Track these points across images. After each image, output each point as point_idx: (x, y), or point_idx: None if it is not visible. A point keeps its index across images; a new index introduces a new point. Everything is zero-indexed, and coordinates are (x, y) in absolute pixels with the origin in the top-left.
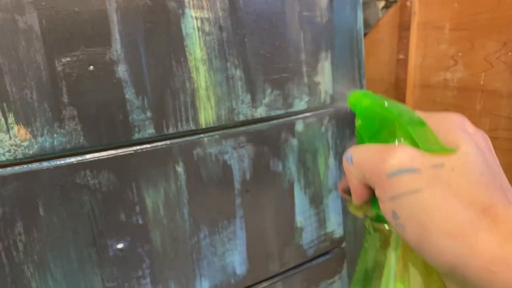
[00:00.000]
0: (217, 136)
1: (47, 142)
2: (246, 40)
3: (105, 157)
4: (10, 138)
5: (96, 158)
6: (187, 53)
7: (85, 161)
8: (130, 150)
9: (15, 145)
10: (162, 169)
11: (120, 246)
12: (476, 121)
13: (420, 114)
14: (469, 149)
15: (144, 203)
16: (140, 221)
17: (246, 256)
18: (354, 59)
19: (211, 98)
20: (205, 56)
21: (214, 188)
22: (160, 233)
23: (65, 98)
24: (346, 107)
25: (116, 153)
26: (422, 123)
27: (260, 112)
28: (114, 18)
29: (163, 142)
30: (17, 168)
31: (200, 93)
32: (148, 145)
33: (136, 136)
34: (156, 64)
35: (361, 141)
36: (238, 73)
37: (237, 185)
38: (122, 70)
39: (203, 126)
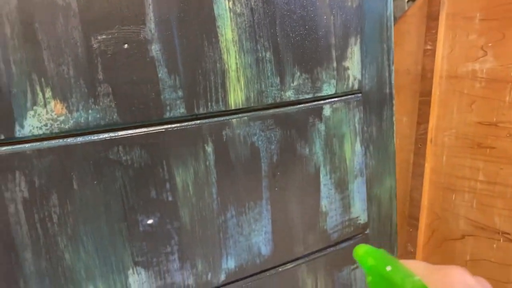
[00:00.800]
0: (246, 117)
1: (82, 118)
2: (276, 22)
3: (137, 134)
4: (47, 112)
5: (128, 135)
6: (218, 34)
7: (118, 137)
8: (162, 128)
9: (52, 120)
10: (192, 148)
11: (150, 222)
12: (505, 113)
13: (420, 269)
14: None
15: (174, 180)
16: (170, 198)
17: (271, 238)
18: (383, 45)
19: (240, 79)
20: (236, 37)
21: (242, 169)
22: (189, 210)
23: (100, 75)
24: (374, 93)
25: (148, 131)
26: None
27: (289, 95)
28: None
29: (193, 122)
30: (53, 142)
31: (230, 74)
32: (178, 124)
33: (168, 114)
34: (188, 44)
35: None
36: (268, 55)
37: (264, 167)
38: (155, 49)
39: (232, 107)
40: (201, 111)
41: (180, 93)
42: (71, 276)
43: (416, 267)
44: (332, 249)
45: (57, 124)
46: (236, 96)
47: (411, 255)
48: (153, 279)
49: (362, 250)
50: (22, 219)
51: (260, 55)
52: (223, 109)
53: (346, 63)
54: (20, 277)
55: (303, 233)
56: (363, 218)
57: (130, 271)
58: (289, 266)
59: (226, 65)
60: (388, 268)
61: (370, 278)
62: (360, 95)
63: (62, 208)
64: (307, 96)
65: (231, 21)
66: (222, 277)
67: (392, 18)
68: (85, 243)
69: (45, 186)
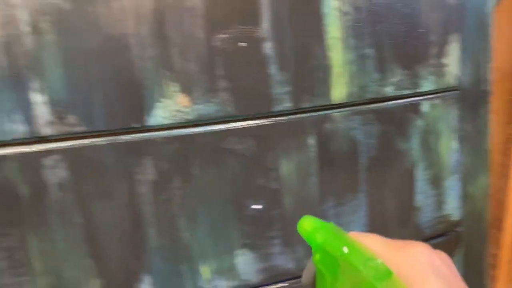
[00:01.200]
0: (347, 112)
1: (203, 110)
2: (380, 20)
3: (249, 126)
4: (173, 104)
5: (242, 126)
6: (325, 32)
7: (232, 128)
8: (270, 121)
9: (177, 111)
10: (297, 140)
11: (257, 207)
12: None
13: (377, 246)
14: None
15: (279, 170)
16: (275, 186)
17: (367, 230)
18: (482, 43)
19: (344, 75)
20: (341, 35)
21: (341, 162)
22: (292, 199)
23: (220, 71)
24: (471, 90)
25: (258, 123)
26: (388, 274)
27: (389, 90)
28: (265, 0)
29: (299, 115)
30: (178, 131)
31: (334, 70)
32: (285, 117)
33: (276, 108)
34: (298, 42)
35: (321, 277)
36: (371, 52)
37: (362, 161)
38: (268, 47)
39: (335, 102)
40: (306, 105)
41: (288, 88)
42: (187, 253)
43: (372, 244)
44: None
45: (182, 115)
46: (339, 91)
47: (495, 257)
48: (257, 260)
49: (308, 225)
50: (150, 199)
51: (363, 51)
52: (327, 103)
53: (445, 60)
54: (144, 251)
55: (397, 227)
56: (456, 216)
57: (238, 251)
58: None
59: (331, 61)
60: (345, 250)
61: (318, 257)
62: (458, 92)
63: (182, 190)
64: (406, 92)
65: (337, 19)
66: None
67: (491, 15)
68: (200, 224)
69: (169, 171)
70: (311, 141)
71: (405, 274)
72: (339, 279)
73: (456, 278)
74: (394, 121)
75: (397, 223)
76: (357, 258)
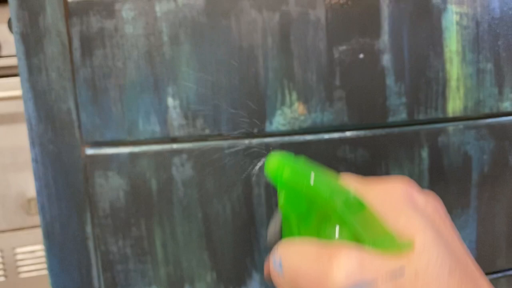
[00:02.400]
0: (461, 126)
1: (318, 118)
2: (500, 34)
3: (362, 135)
4: (291, 112)
5: (355, 136)
6: (444, 45)
7: (346, 137)
8: (384, 132)
9: (294, 118)
10: (409, 152)
11: None
12: None
13: (354, 181)
14: (428, 239)
15: None
16: None
17: (475, 247)
18: None
19: (460, 89)
20: (460, 48)
21: (453, 176)
22: None
23: (337, 81)
24: None
25: (372, 133)
26: (361, 206)
27: (506, 106)
28: (385, 12)
29: (413, 127)
30: (294, 138)
31: (451, 84)
32: (399, 129)
33: (390, 119)
34: (416, 55)
35: (287, 221)
36: (489, 66)
37: (474, 176)
38: (386, 59)
39: (450, 115)
40: (421, 117)
41: (403, 99)
42: None
43: (345, 178)
44: None
45: (298, 123)
46: (455, 105)
47: None
48: None
49: (275, 161)
50: (263, 201)
51: (481, 66)
52: (441, 116)
53: None
54: (255, 250)
55: (506, 247)
56: None
57: None
58: (489, 277)
59: (448, 75)
60: (312, 181)
61: (283, 196)
62: None
63: None
64: None
65: (457, 33)
66: None
67: None
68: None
69: None
70: (424, 153)
71: (379, 208)
72: (305, 218)
73: (442, 221)
74: (509, 137)
75: (506, 243)
76: (325, 190)
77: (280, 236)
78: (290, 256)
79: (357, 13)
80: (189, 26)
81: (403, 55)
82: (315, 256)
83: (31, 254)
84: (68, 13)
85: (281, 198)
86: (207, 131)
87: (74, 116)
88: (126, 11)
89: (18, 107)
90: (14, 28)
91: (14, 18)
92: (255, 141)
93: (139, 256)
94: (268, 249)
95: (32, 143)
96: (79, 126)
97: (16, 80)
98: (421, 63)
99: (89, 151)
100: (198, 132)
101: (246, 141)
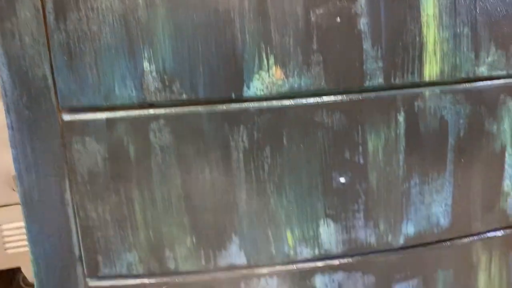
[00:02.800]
0: (438, 90)
1: (296, 83)
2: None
3: (339, 100)
4: (269, 76)
5: (332, 101)
6: (421, 9)
7: (323, 102)
8: (361, 96)
9: (272, 83)
10: (385, 117)
11: (342, 180)
12: None
13: None
14: None
15: (366, 145)
16: (361, 161)
17: (451, 210)
18: None
19: (437, 53)
20: (436, 12)
21: (429, 141)
22: (377, 174)
23: (315, 45)
24: None
25: (349, 98)
26: None
27: (482, 71)
28: None
29: (389, 92)
30: (272, 103)
31: (427, 48)
32: (375, 93)
33: (367, 83)
34: (393, 19)
35: None
36: (466, 30)
37: (450, 141)
38: (363, 23)
39: (426, 80)
40: (397, 81)
41: (380, 63)
42: (273, 219)
43: None
44: (510, 230)
45: (276, 88)
46: (431, 69)
47: None
48: (339, 232)
49: None
50: (241, 165)
51: (458, 30)
52: (418, 80)
53: None
54: (235, 214)
55: (482, 211)
56: None
57: (322, 221)
58: (465, 240)
59: (425, 39)
60: None
61: None
62: None
63: (272, 159)
64: (500, 73)
65: None
66: (401, 241)
67: None
68: (287, 192)
69: (261, 140)
70: (400, 118)
71: None
72: None
73: None
74: (485, 102)
75: (482, 206)
76: None
77: None
78: None
79: None
80: None
81: (380, 19)
82: None
83: (18, 230)
84: None
85: None
86: (184, 96)
87: (50, 82)
88: None
89: None
90: None
91: None
92: (232, 106)
93: (118, 222)
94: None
95: (7, 110)
96: (55, 92)
97: None
98: (398, 27)
99: (66, 117)
100: (175, 97)
101: (224, 106)
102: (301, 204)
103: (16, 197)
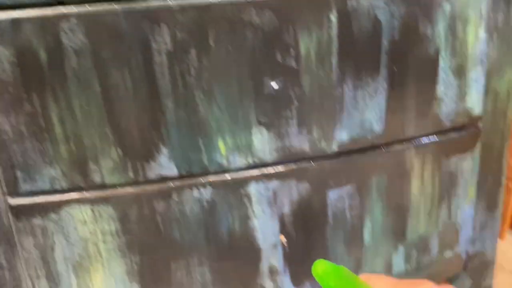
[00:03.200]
0: None
1: None
2: None
3: None
4: None
5: None
6: None
7: None
8: None
9: None
10: (318, 16)
11: (274, 84)
12: None
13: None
14: None
15: (298, 47)
16: (293, 64)
17: (385, 115)
18: None
19: None
20: None
21: (362, 43)
22: (310, 78)
23: None
24: None
25: None
26: None
27: None
28: None
29: None
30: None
31: None
32: None
33: None
34: None
35: None
36: None
37: (384, 43)
38: None
39: None
40: None
41: None
42: (204, 127)
43: (381, 285)
44: (442, 136)
45: None
46: None
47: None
48: (273, 139)
49: (321, 269)
50: (165, 70)
51: None
52: None
53: None
54: (162, 123)
55: (416, 117)
56: (477, 110)
57: (254, 129)
58: (398, 146)
59: None
60: None
61: None
62: None
63: (199, 62)
64: None
65: None
66: (334, 147)
67: None
68: (217, 98)
69: (185, 41)
70: (333, 18)
71: None
72: None
73: None
74: (420, 3)
75: (416, 111)
76: None
77: None
78: None
79: None
80: None
81: None
82: None
83: None
84: None
85: None
86: None
87: None
88: None
89: None
90: None
91: None
92: (153, 2)
93: (35, 134)
94: None
95: None
96: None
97: None
98: None
99: None
100: None
101: (143, 3)
102: (232, 111)
103: None
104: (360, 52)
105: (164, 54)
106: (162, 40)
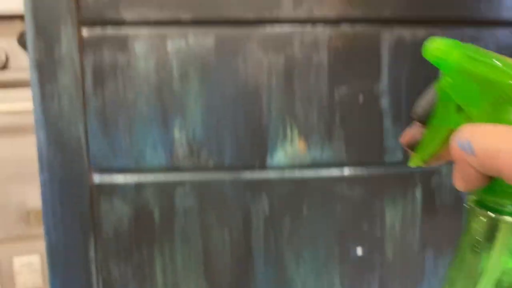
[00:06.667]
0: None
1: (318, 155)
2: None
3: (360, 173)
4: (292, 148)
5: (353, 174)
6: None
7: (344, 174)
8: (381, 171)
9: (295, 154)
10: (403, 192)
11: (358, 250)
12: None
13: None
14: None
15: (384, 217)
16: (378, 233)
17: None
18: None
19: None
20: None
21: (445, 215)
22: (393, 246)
23: (337, 121)
24: None
25: (368, 172)
26: None
27: None
28: (385, 57)
29: (408, 168)
30: (294, 173)
31: None
32: (395, 168)
33: (387, 159)
34: (414, 98)
35: (445, 105)
36: None
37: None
38: (385, 102)
39: None
40: None
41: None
42: (290, 286)
43: None
44: None
45: (298, 159)
46: None
47: None
48: None
49: (441, 43)
50: (261, 233)
51: None
52: None
53: None
54: (252, 278)
55: None
56: None
57: None
58: None
59: None
60: (497, 63)
61: (448, 80)
62: None
63: (292, 227)
64: None
65: None
66: None
67: None
68: (305, 260)
69: (281, 209)
70: (418, 194)
71: None
72: (475, 103)
73: None
74: None
75: None
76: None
77: (430, 114)
78: (481, 137)
79: (358, 57)
80: (199, 64)
81: (401, 98)
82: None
83: (28, 266)
84: (83, 45)
85: (446, 80)
86: (210, 163)
87: (83, 144)
88: (139, 47)
89: (22, 119)
90: (30, 56)
91: (31, 46)
92: (256, 174)
93: (139, 281)
94: (413, 119)
95: (41, 168)
96: (88, 154)
97: (22, 94)
98: None
99: (97, 178)
100: (202, 164)
101: (248, 174)
102: (318, 272)
103: (29, 231)
104: (442, 225)
105: (262, 219)
106: (261, 208)
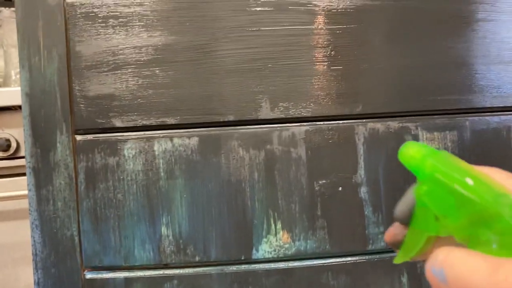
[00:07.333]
0: None
1: (302, 246)
2: None
3: (344, 262)
4: (276, 240)
5: (337, 263)
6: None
7: (328, 264)
8: (364, 259)
9: (279, 246)
10: (389, 279)
11: None
12: None
13: (507, 181)
14: None
15: None
16: None
17: None
18: None
19: None
20: None
21: None
22: None
23: (319, 212)
24: None
25: (353, 260)
26: None
27: None
28: (361, 150)
29: (392, 254)
30: (279, 265)
31: None
32: (378, 256)
33: (370, 247)
34: (392, 187)
35: (423, 211)
36: None
37: None
38: (363, 191)
39: None
40: None
41: (381, 228)
42: None
43: (498, 177)
44: None
45: (283, 250)
46: None
47: None
48: None
49: (416, 151)
50: None
51: None
52: None
53: None
54: None
55: None
56: None
57: None
58: None
59: None
60: (469, 182)
61: (425, 188)
62: None
63: None
64: None
65: None
66: None
67: None
68: None
69: None
70: (404, 280)
71: None
72: (451, 215)
73: None
74: None
75: None
76: (485, 192)
77: (410, 216)
78: (454, 266)
79: (335, 149)
80: (183, 163)
81: (379, 188)
82: (484, 270)
83: None
84: (76, 150)
85: (422, 187)
86: (197, 258)
87: (76, 242)
88: (128, 149)
89: None
90: (27, 162)
91: (27, 154)
92: (242, 267)
93: None
94: (393, 222)
95: (36, 267)
96: (80, 252)
97: None
98: (397, 194)
99: (88, 275)
100: (188, 259)
101: (234, 268)
102: None
103: None
104: None
105: None
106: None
